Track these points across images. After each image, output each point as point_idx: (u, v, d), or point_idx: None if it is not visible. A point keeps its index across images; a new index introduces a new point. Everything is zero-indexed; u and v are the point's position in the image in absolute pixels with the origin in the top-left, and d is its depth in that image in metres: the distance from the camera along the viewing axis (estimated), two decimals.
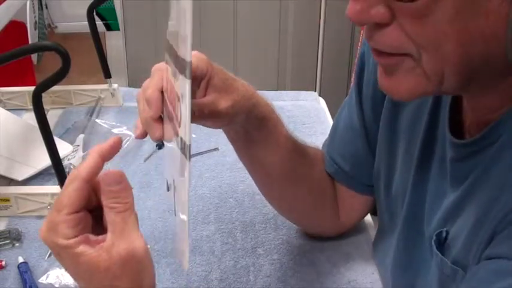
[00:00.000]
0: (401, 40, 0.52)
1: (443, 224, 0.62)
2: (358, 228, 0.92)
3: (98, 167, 0.55)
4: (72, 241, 0.53)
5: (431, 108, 0.67)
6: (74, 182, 0.54)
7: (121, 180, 0.55)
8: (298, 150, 0.80)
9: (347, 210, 0.86)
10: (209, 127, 0.70)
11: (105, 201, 0.54)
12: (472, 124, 0.61)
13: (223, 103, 0.67)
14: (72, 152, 1.07)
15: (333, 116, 1.30)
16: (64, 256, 0.53)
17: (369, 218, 0.95)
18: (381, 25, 0.52)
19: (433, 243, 0.62)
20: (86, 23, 1.18)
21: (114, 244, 0.53)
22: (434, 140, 0.66)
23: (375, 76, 0.74)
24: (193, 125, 1.14)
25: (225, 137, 1.16)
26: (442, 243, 0.62)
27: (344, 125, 0.83)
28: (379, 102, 0.75)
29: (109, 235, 0.53)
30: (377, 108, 0.76)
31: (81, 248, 0.53)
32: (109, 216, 0.54)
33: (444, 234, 0.61)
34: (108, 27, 1.59)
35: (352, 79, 2.58)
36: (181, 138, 0.51)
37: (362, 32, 2.29)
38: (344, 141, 0.83)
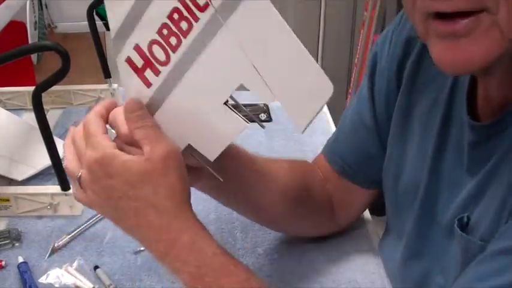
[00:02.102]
0: None
1: (463, 210, 0.63)
2: (357, 227, 0.92)
3: (110, 106, 0.63)
4: (118, 150, 0.59)
5: (447, 97, 0.67)
6: (92, 115, 0.62)
7: (142, 106, 0.61)
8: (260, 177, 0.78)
9: (346, 206, 0.87)
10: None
11: (133, 125, 0.60)
12: (488, 107, 0.62)
13: None
14: None
15: (332, 116, 1.30)
16: (112, 169, 0.58)
17: (368, 217, 0.95)
18: None
19: (455, 227, 0.62)
20: (86, 23, 1.18)
21: (152, 150, 0.58)
22: (450, 127, 0.67)
23: (388, 76, 0.76)
24: None
25: None
26: (464, 228, 0.62)
27: (353, 122, 0.83)
28: (393, 99, 0.76)
29: (145, 148, 0.58)
30: (390, 105, 0.77)
31: (127, 156, 0.58)
32: (139, 134, 0.59)
33: (466, 219, 0.62)
34: (108, 27, 1.59)
35: (352, 79, 2.59)
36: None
37: (362, 31, 2.29)
38: (353, 136, 0.83)
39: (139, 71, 0.61)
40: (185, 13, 0.56)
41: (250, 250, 0.87)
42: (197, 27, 0.56)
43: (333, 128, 1.23)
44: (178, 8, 0.56)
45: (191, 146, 0.62)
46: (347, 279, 0.82)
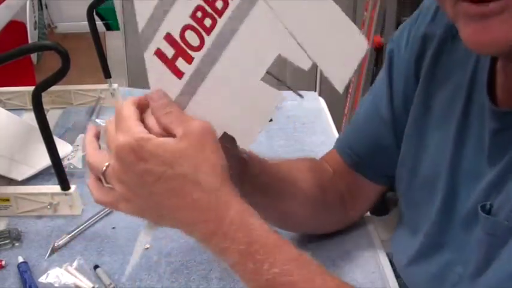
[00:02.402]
0: None
1: (485, 197, 0.63)
2: (358, 226, 0.92)
3: (142, 100, 0.60)
4: (151, 134, 0.56)
5: (468, 86, 0.68)
6: (126, 101, 0.59)
7: (167, 95, 0.59)
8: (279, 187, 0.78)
9: (356, 200, 0.87)
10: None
11: (160, 112, 0.58)
12: (510, 94, 0.63)
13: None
14: (72, 152, 1.07)
15: (333, 115, 1.30)
16: (146, 153, 0.55)
17: (368, 217, 0.95)
18: None
19: (479, 211, 0.62)
20: (86, 23, 1.18)
21: (185, 129, 0.55)
22: (471, 116, 0.68)
23: (406, 70, 0.77)
24: None
25: None
26: (487, 214, 0.63)
27: (367, 115, 0.84)
28: (411, 93, 0.77)
29: (177, 129, 0.56)
30: (408, 99, 0.78)
31: (161, 139, 0.56)
32: (168, 119, 0.57)
33: (488, 207, 0.62)
34: (108, 27, 1.59)
35: (352, 79, 2.57)
36: None
37: (362, 32, 2.29)
38: (367, 129, 0.84)
39: (169, 62, 0.59)
40: None
41: None
42: (233, 3, 0.54)
43: (333, 128, 1.23)
44: None
45: (224, 136, 0.59)
46: (347, 279, 0.82)
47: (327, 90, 2.44)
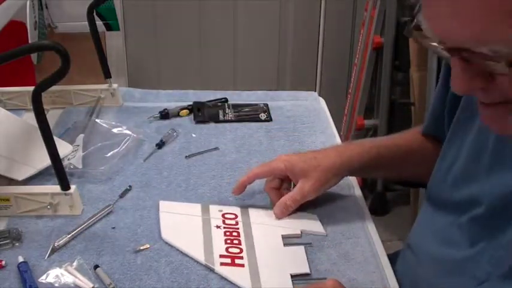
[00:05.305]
0: (498, 96, 0.60)
1: None
2: (358, 226, 0.92)
3: None
4: None
5: None
6: None
7: None
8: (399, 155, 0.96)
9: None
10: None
11: None
12: None
13: (307, 185, 0.90)
14: (72, 152, 1.07)
15: (333, 115, 1.30)
16: None
17: (368, 217, 0.95)
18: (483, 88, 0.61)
19: None
20: (86, 23, 1.18)
21: None
22: None
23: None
24: (193, 125, 1.16)
25: (225, 137, 1.16)
26: None
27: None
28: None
29: None
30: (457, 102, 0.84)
31: None
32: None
33: None
34: (108, 27, 1.59)
35: (352, 79, 2.58)
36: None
37: (362, 31, 2.30)
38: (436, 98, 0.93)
39: (232, 264, 0.83)
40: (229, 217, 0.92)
41: None
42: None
43: (333, 128, 1.23)
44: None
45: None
46: (347, 279, 0.82)
47: (326, 90, 2.45)
